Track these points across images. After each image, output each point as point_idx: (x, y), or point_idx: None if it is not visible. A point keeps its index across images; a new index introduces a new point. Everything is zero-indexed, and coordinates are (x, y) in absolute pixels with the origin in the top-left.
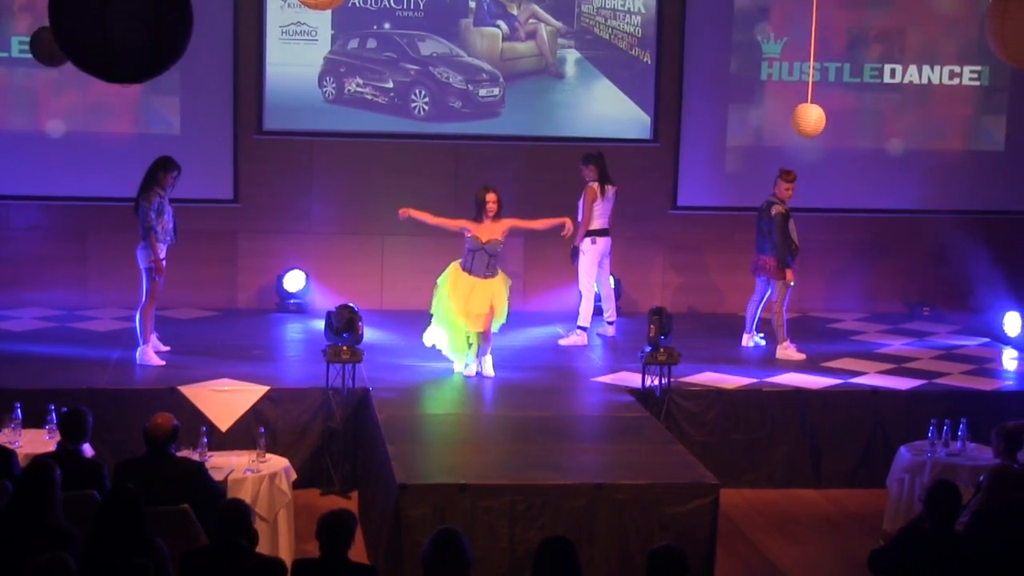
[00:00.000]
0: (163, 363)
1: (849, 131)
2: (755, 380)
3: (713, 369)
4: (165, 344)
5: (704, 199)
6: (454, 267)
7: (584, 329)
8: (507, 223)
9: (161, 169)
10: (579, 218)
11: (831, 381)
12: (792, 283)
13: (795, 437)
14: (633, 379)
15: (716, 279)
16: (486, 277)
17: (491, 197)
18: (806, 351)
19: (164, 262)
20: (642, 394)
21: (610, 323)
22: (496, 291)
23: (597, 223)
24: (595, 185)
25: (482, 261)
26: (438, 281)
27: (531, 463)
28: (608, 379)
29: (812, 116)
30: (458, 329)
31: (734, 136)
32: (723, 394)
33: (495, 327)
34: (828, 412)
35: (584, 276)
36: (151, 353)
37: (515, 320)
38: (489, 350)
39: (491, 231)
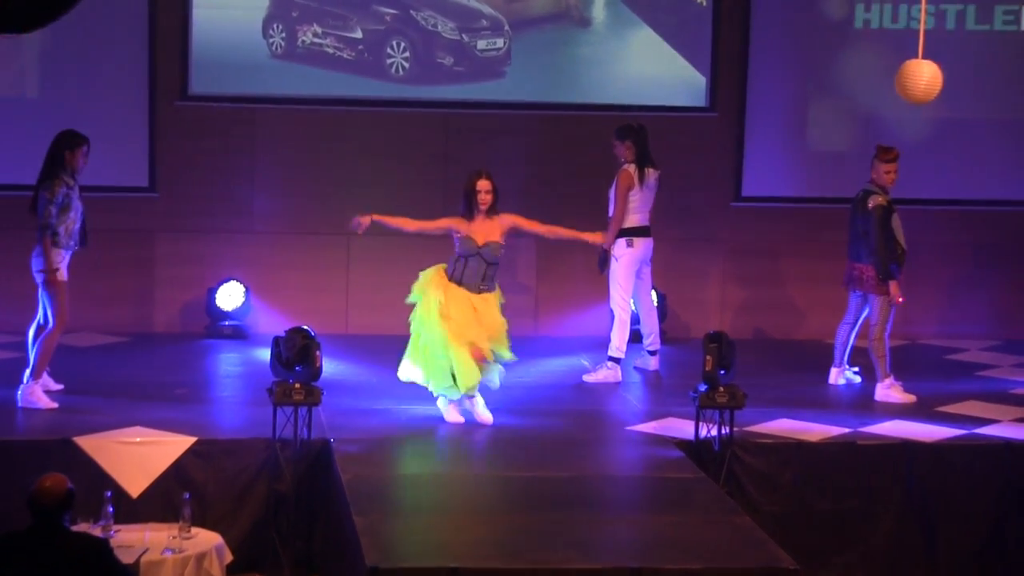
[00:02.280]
0: (54, 405)
1: (973, 96)
2: (847, 430)
3: (790, 415)
4: (57, 381)
5: (777, 187)
6: (436, 273)
7: (617, 361)
8: (508, 220)
9: (66, 148)
10: (610, 212)
11: (949, 431)
12: (899, 300)
13: (901, 507)
14: (683, 428)
15: (794, 294)
16: (480, 291)
17: (484, 185)
18: (915, 391)
19: (64, 272)
20: (695, 448)
21: (651, 352)
22: (492, 313)
23: (634, 219)
24: (632, 168)
25: (476, 270)
26: (413, 288)
27: (544, 540)
28: (649, 427)
29: (923, 76)
30: (441, 356)
31: (818, 104)
32: (803, 448)
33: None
34: (945, 473)
35: (617, 290)
36: (39, 392)
37: (524, 349)
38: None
39: (487, 231)
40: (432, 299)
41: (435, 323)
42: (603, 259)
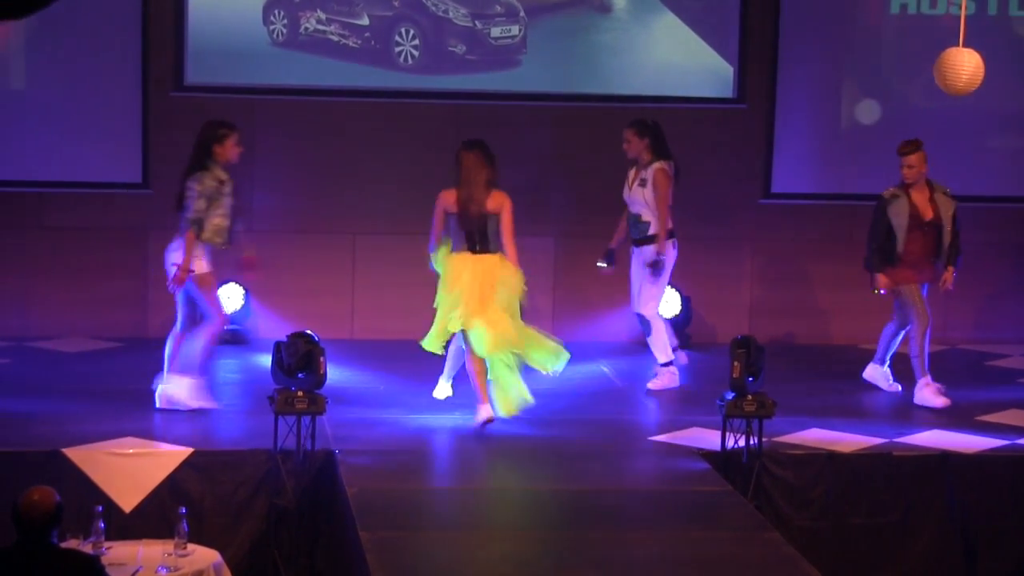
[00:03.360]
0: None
1: (1019, 87)
2: (882, 440)
3: (822, 424)
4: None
5: (809, 184)
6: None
7: (670, 364)
8: (501, 203)
9: (214, 141)
10: (635, 211)
11: (991, 442)
12: (879, 291)
13: (940, 521)
14: (709, 438)
15: (826, 297)
16: (476, 252)
17: (468, 159)
18: (953, 398)
19: (206, 267)
20: (722, 459)
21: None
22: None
23: (671, 219)
24: (667, 165)
25: (474, 239)
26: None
27: (563, 558)
28: (674, 438)
29: (965, 66)
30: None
31: (852, 95)
32: (837, 460)
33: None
34: (987, 486)
35: (657, 294)
36: (193, 390)
37: None
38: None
39: (479, 199)
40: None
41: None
42: (657, 267)
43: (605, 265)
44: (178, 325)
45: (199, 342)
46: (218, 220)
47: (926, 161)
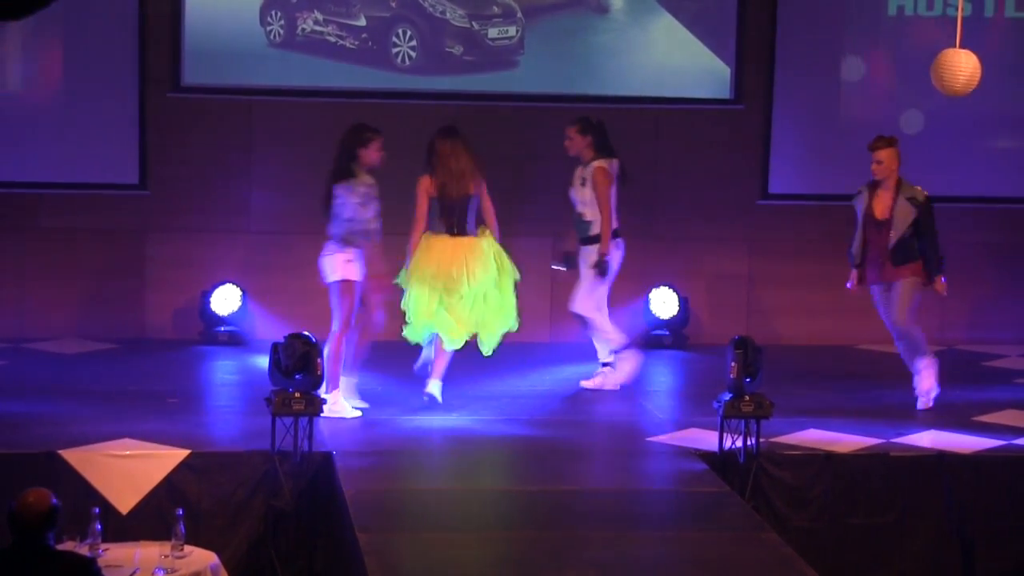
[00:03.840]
0: (357, 413)
1: (1015, 88)
2: (880, 440)
3: (819, 425)
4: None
5: (807, 184)
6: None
7: (608, 364)
8: (479, 182)
9: (358, 145)
10: (578, 211)
11: (988, 442)
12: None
13: (937, 522)
14: (707, 439)
15: (824, 298)
16: (454, 235)
17: (443, 147)
18: (951, 399)
19: (358, 271)
20: (720, 460)
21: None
22: (484, 259)
23: (616, 218)
24: (607, 163)
25: (453, 222)
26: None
27: (561, 559)
28: (671, 439)
29: (962, 68)
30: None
31: (850, 96)
32: (834, 460)
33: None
34: (984, 486)
35: (595, 295)
36: (340, 401)
37: (538, 356)
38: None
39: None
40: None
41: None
42: (602, 266)
43: (563, 268)
44: (337, 328)
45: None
46: (368, 224)
47: (898, 159)
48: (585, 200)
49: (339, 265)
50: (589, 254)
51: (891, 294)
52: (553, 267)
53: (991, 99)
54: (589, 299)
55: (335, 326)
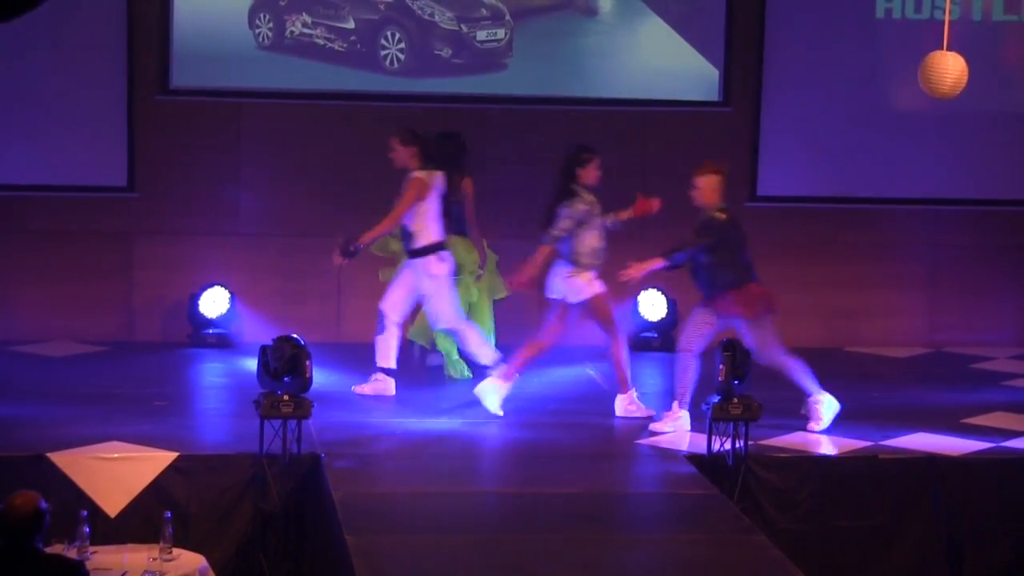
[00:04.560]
0: (651, 412)
1: (1000, 91)
2: (869, 443)
3: (808, 428)
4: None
5: (795, 187)
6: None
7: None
8: (468, 186)
9: (576, 165)
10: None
11: (976, 444)
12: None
13: (925, 524)
14: (695, 441)
15: (813, 300)
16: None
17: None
18: (939, 401)
19: (598, 285)
20: (708, 462)
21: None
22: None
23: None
24: (429, 176)
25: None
26: None
27: (549, 562)
28: (660, 441)
29: (949, 70)
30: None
31: (838, 99)
32: (822, 463)
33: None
34: (973, 489)
35: (447, 306)
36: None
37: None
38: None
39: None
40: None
41: None
42: (350, 250)
43: (343, 259)
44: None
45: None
46: (593, 242)
47: (718, 190)
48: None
49: (580, 285)
50: (415, 267)
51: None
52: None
53: (979, 101)
54: (452, 309)
55: (612, 335)
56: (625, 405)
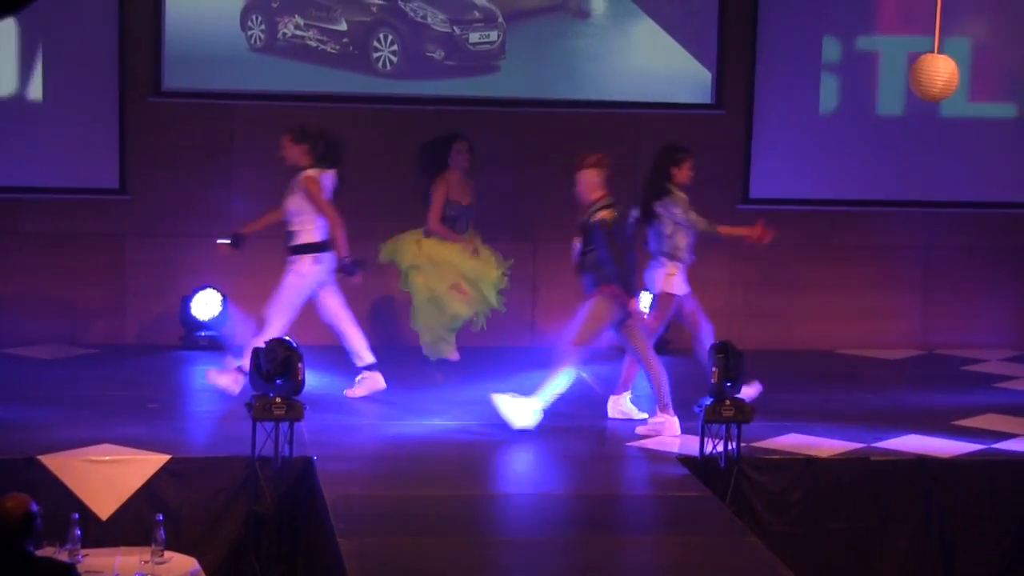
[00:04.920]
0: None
1: (994, 92)
2: (860, 445)
3: (800, 429)
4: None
5: (787, 189)
6: (409, 235)
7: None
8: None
9: (671, 164)
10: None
11: (967, 447)
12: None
13: (917, 527)
14: (687, 443)
15: (804, 302)
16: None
17: (463, 145)
18: (931, 403)
19: (684, 285)
20: (700, 464)
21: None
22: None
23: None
24: (319, 173)
25: (465, 225)
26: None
27: (544, 564)
28: (652, 443)
29: (940, 73)
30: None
31: (829, 100)
32: (815, 465)
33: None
34: (964, 491)
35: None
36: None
37: (521, 360)
38: None
39: (468, 189)
40: (407, 258)
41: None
42: (350, 266)
43: (228, 242)
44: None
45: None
46: (688, 239)
47: (595, 184)
48: (290, 209)
49: (661, 279)
50: (291, 263)
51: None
52: (219, 242)
53: (970, 104)
54: (280, 304)
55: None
56: (619, 407)
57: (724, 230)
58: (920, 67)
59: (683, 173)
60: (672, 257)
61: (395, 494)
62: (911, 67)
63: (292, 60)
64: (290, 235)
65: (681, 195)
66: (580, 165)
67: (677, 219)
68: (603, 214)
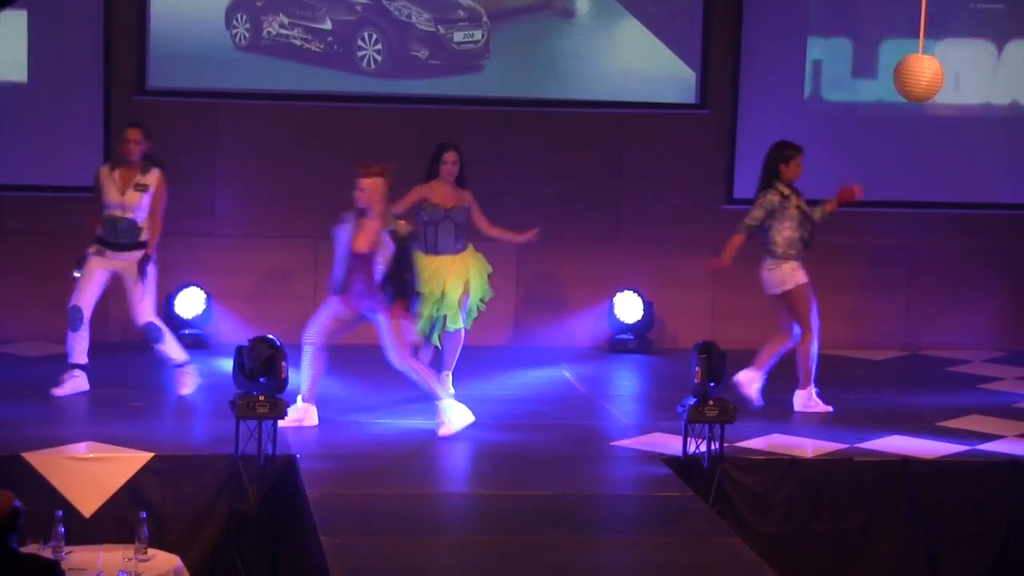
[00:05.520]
0: (829, 409)
1: (978, 92)
2: (844, 445)
3: (783, 429)
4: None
5: None
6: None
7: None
8: (469, 198)
9: (780, 161)
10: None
11: (951, 447)
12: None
13: (901, 527)
14: (670, 443)
15: None
16: (456, 252)
17: (451, 156)
18: (915, 404)
19: (803, 277)
20: (683, 465)
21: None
22: (471, 265)
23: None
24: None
25: (448, 232)
26: None
27: (524, 564)
28: (635, 443)
29: (924, 72)
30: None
31: (814, 100)
32: (798, 465)
33: (473, 310)
34: (948, 491)
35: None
36: (814, 398)
37: (503, 360)
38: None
39: (453, 195)
40: None
41: None
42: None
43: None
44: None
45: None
46: (788, 233)
47: (381, 192)
48: (142, 206)
49: (787, 274)
50: (127, 257)
51: (385, 328)
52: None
53: (954, 105)
54: (150, 304)
55: (805, 328)
56: (804, 401)
57: (828, 207)
58: (904, 67)
59: (791, 169)
60: (773, 253)
61: (378, 492)
62: (895, 67)
63: (277, 59)
64: (138, 231)
65: (783, 189)
66: (368, 171)
67: (770, 211)
68: (401, 230)
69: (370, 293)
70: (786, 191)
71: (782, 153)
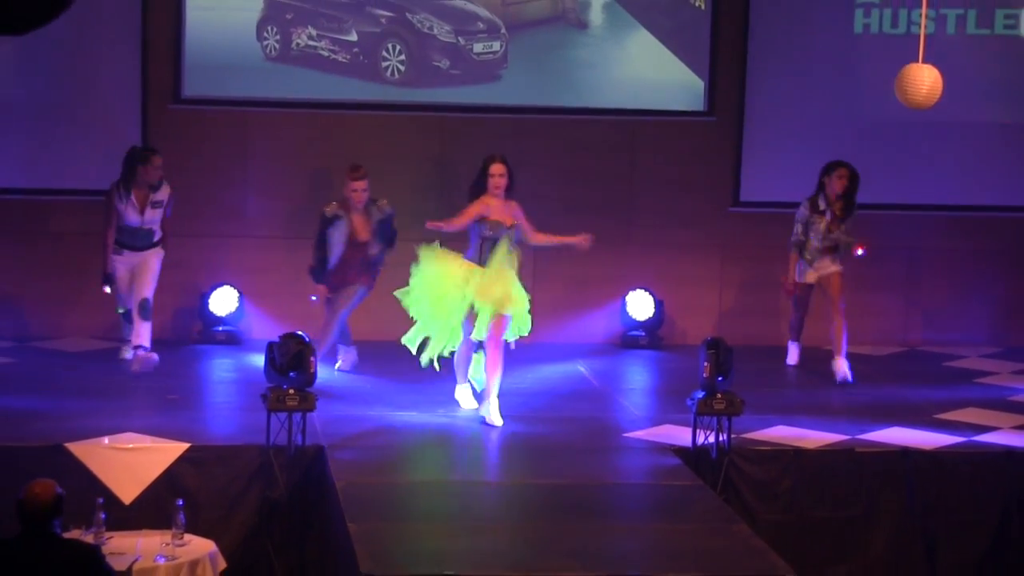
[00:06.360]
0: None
1: (974, 101)
2: (845, 437)
3: (788, 422)
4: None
5: (776, 192)
6: (436, 251)
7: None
8: (518, 210)
9: (824, 173)
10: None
11: (949, 439)
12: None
13: (900, 515)
14: (680, 435)
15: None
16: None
17: (497, 168)
18: (914, 397)
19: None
20: (692, 455)
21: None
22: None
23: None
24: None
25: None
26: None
27: (541, 549)
28: (647, 435)
29: (924, 81)
30: (443, 321)
31: (817, 108)
32: (802, 456)
33: (512, 335)
34: (946, 481)
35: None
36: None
37: (520, 355)
38: (497, 387)
39: (507, 211)
40: (436, 265)
41: (436, 283)
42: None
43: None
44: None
45: None
46: (812, 243)
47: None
48: (157, 218)
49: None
50: (158, 253)
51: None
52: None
53: (949, 111)
54: (153, 286)
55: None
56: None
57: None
58: (904, 76)
59: (833, 183)
60: (803, 257)
61: (402, 481)
62: (896, 76)
63: (305, 69)
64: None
65: (819, 204)
66: (362, 176)
67: (800, 222)
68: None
69: (366, 269)
70: (822, 206)
71: (827, 169)
